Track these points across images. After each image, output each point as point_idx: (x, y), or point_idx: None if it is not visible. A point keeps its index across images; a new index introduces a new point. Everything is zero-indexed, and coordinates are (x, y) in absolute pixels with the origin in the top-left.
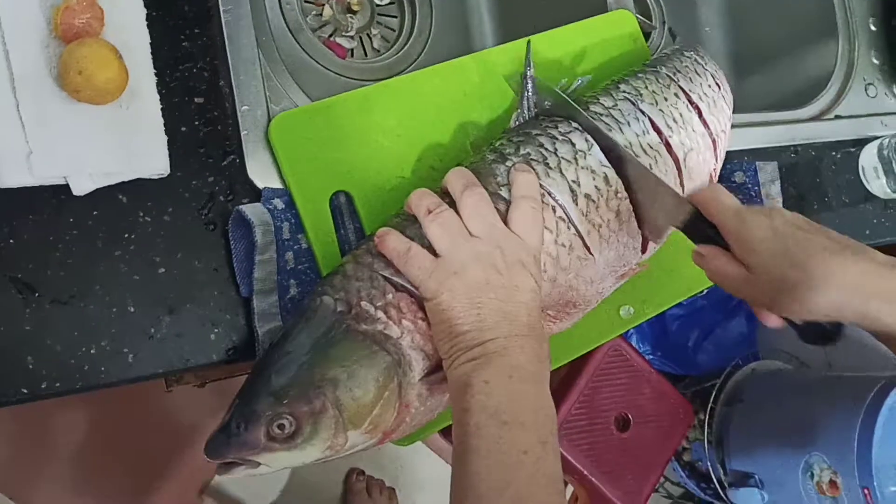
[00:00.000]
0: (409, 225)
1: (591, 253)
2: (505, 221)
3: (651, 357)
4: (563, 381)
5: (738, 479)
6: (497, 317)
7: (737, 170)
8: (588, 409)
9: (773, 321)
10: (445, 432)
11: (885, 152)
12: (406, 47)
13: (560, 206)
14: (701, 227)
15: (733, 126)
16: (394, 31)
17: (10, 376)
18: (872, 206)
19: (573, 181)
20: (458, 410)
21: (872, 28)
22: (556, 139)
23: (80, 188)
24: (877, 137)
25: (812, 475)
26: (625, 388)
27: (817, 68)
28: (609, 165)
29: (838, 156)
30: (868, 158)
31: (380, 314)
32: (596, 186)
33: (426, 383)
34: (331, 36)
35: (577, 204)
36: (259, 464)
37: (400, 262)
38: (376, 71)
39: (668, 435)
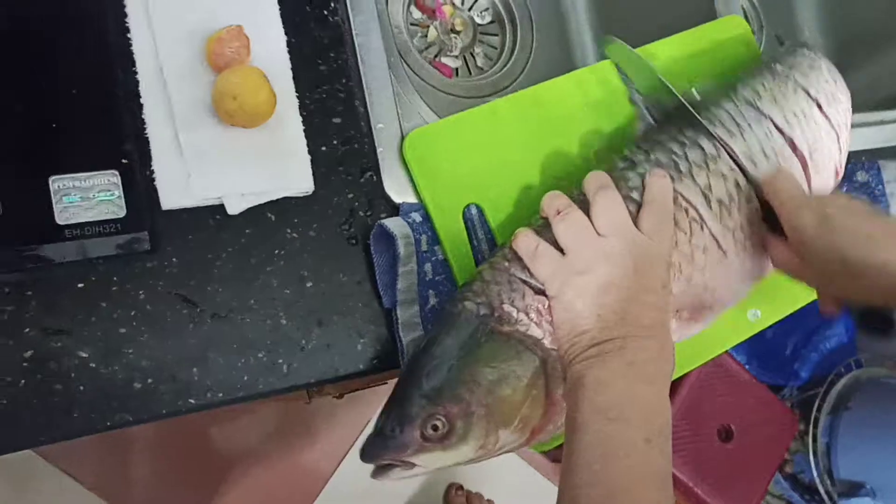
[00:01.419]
0: (543, 229)
1: (725, 255)
2: (636, 223)
3: (747, 367)
4: None
5: (849, 488)
6: (619, 317)
7: (858, 169)
8: (690, 420)
9: (828, 307)
10: None
11: None
12: (509, 64)
13: (693, 208)
14: (772, 210)
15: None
16: (496, 48)
17: (180, 388)
18: None
19: (706, 186)
20: (569, 407)
21: None
22: (686, 144)
23: (234, 208)
24: None
25: None
26: (726, 399)
27: None
28: (738, 168)
29: None
30: None
31: (521, 316)
32: (728, 192)
33: None
34: (436, 56)
35: (710, 208)
36: (414, 465)
37: (528, 260)
38: (482, 88)
39: (774, 445)
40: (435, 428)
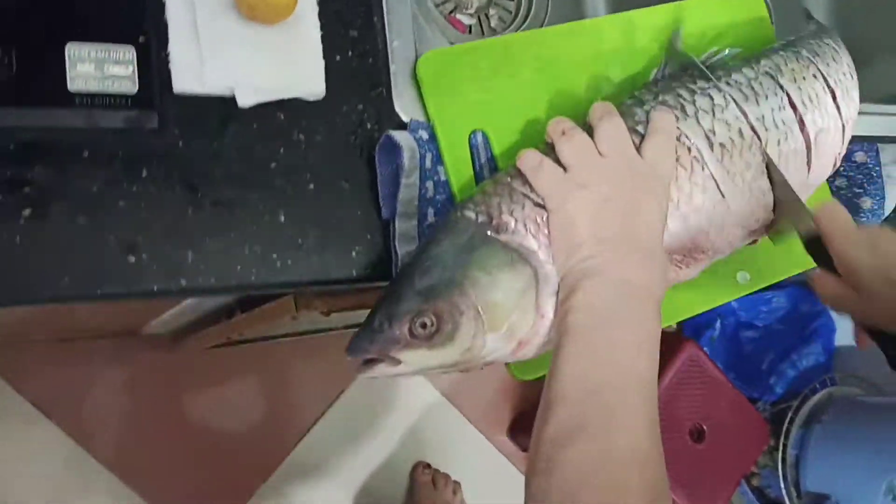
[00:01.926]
0: (548, 152)
1: (724, 198)
2: (638, 151)
3: None
4: None
5: (814, 500)
6: (615, 233)
7: (858, 150)
8: (664, 416)
9: (865, 342)
10: (513, 431)
11: None
12: (522, 28)
13: (695, 147)
14: (819, 244)
15: None
16: (510, 12)
17: (173, 268)
18: None
19: (709, 129)
20: (560, 314)
21: None
22: (696, 92)
23: (245, 100)
24: None
25: (894, 496)
26: (701, 399)
27: None
28: (745, 121)
29: None
30: None
31: (519, 226)
32: (731, 137)
33: None
34: (452, 12)
35: (712, 150)
36: (399, 361)
37: (531, 175)
38: None
39: (744, 450)
40: (423, 325)
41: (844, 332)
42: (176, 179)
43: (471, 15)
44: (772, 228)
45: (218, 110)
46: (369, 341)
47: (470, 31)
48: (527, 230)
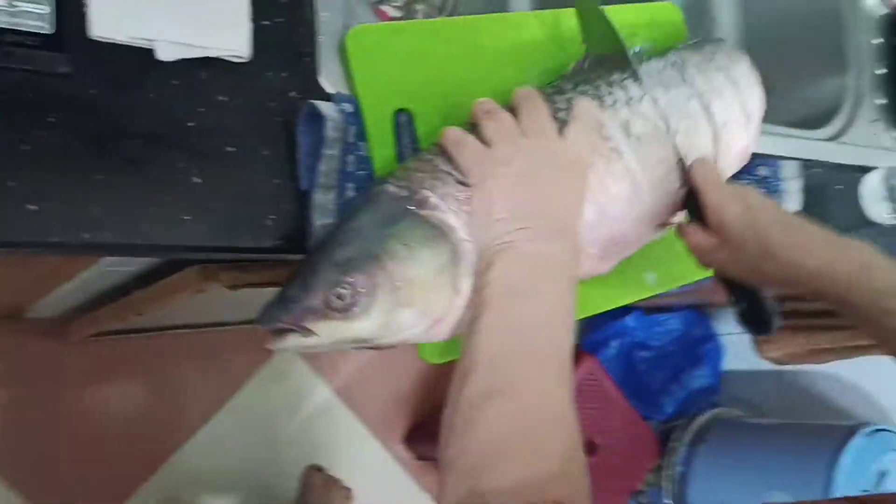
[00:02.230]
0: (472, 131)
1: (639, 189)
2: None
3: None
4: None
5: None
6: (533, 209)
7: (760, 164)
8: None
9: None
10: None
11: (891, 181)
12: None
13: (614, 138)
14: (692, 197)
15: None
16: (437, 6)
17: (76, 221)
18: (870, 230)
19: (625, 121)
20: (477, 288)
21: (877, 73)
22: (613, 83)
23: (165, 54)
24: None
25: None
26: (596, 414)
27: (828, 100)
28: (657, 113)
29: (844, 178)
30: (870, 184)
31: (440, 203)
32: (646, 131)
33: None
34: (379, 3)
35: (628, 141)
36: (312, 333)
37: (454, 150)
38: None
39: (633, 465)
40: (340, 297)
41: (732, 356)
42: (86, 129)
43: (398, 7)
44: None
45: (136, 61)
46: (283, 310)
47: None
48: (447, 207)
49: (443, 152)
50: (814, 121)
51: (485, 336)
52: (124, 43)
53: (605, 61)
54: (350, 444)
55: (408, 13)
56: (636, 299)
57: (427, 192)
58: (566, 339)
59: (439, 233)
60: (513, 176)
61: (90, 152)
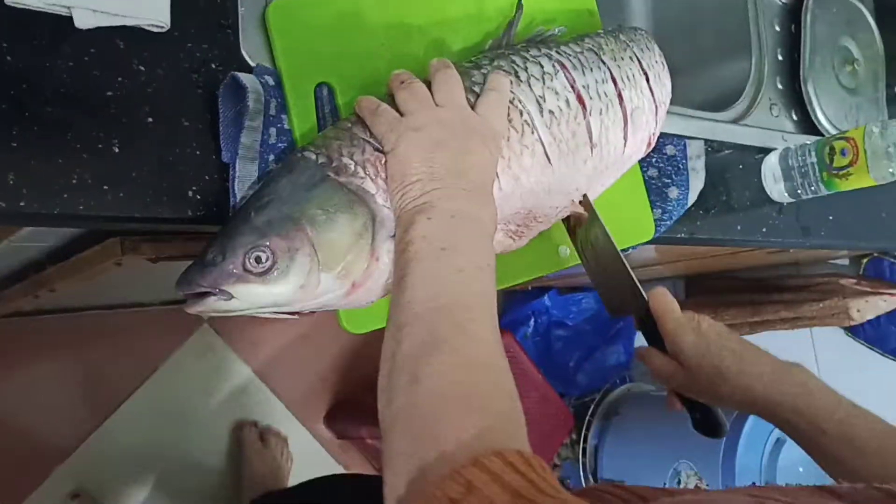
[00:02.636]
0: (388, 102)
1: (550, 162)
2: (473, 108)
3: None
4: None
5: None
6: (447, 171)
7: (668, 143)
8: None
9: (677, 407)
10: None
11: (789, 161)
12: None
13: (526, 111)
14: (650, 324)
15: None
16: None
17: None
18: (770, 208)
19: (539, 96)
20: (399, 248)
21: (779, 58)
22: (528, 59)
23: (82, 22)
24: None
25: (679, 481)
26: None
27: (732, 82)
28: (572, 91)
29: (746, 159)
30: (770, 165)
31: (358, 169)
32: (559, 106)
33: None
34: None
35: (542, 115)
36: (231, 296)
37: (369, 118)
38: None
39: (549, 439)
40: (258, 260)
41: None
42: (1, 96)
43: None
44: (604, 300)
45: (52, 27)
46: (201, 274)
47: None
48: (366, 173)
49: (361, 121)
50: (719, 103)
51: (415, 291)
52: (41, 9)
53: (525, 41)
54: (270, 424)
55: None
56: (551, 271)
57: (346, 159)
58: (492, 292)
59: (357, 199)
60: (426, 141)
61: (6, 119)
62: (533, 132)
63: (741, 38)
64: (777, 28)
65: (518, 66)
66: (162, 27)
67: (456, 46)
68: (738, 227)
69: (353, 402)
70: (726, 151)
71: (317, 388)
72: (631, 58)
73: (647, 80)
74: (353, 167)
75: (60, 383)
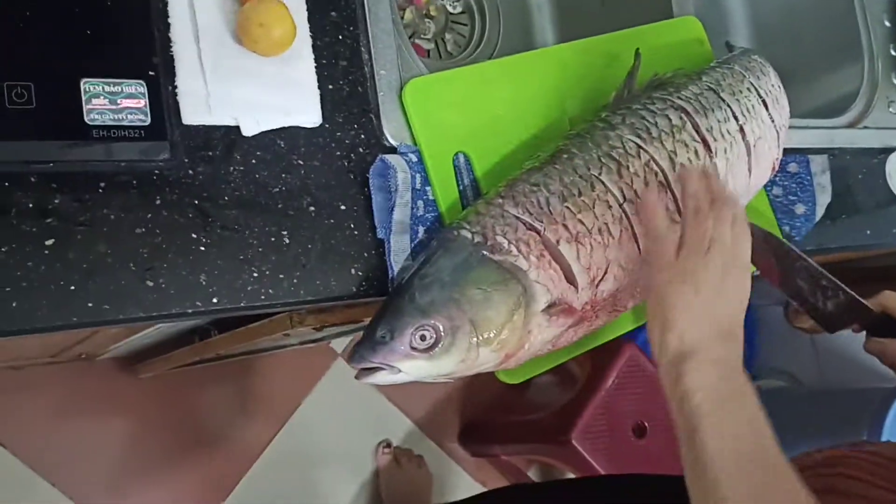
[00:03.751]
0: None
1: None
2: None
3: None
4: (583, 389)
5: None
6: (708, 317)
7: (791, 161)
8: (607, 415)
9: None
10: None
11: None
12: (476, 52)
13: (661, 169)
14: (887, 326)
15: None
16: (465, 37)
17: (187, 290)
18: None
19: (671, 150)
20: (676, 402)
21: (893, 53)
22: (656, 114)
23: (248, 129)
24: None
25: None
26: (642, 397)
27: (846, 85)
28: (698, 138)
29: (868, 162)
30: (893, 163)
31: (512, 247)
32: (689, 158)
33: (547, 314)
34: (411, 38)
35: (674, 170)
36: (399, 371)
37: (650, 235)
38: None
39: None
40: (423, 338)
41: (766, 328)
42: (187, 205)
43: (429, 40)
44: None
45: (224, 139)
46: (372, 351)
47: (428, 55)
48: (519, 251)
49: (511, 196)
50: (832, 109)
51: (715, 443)
52: (212, 124)
53: (646, 89)
54: (404, 446)
55: (438, 44)
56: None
57: (499, 238)
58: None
59: (511, 276)
60: (690, 291)
61: (193, 226)
62: (667, 192)
63: (849, 38)
64: (887, 23)
65: (648, 121)
66: (315, 123)
67: (580, 98)
68: (868, 232)
69: (484, 421)
70: (846, 157)
71: (446, 409)
72: (749, 88)
73: (766, 107)
74: (506, 245)
75: (206, 428)
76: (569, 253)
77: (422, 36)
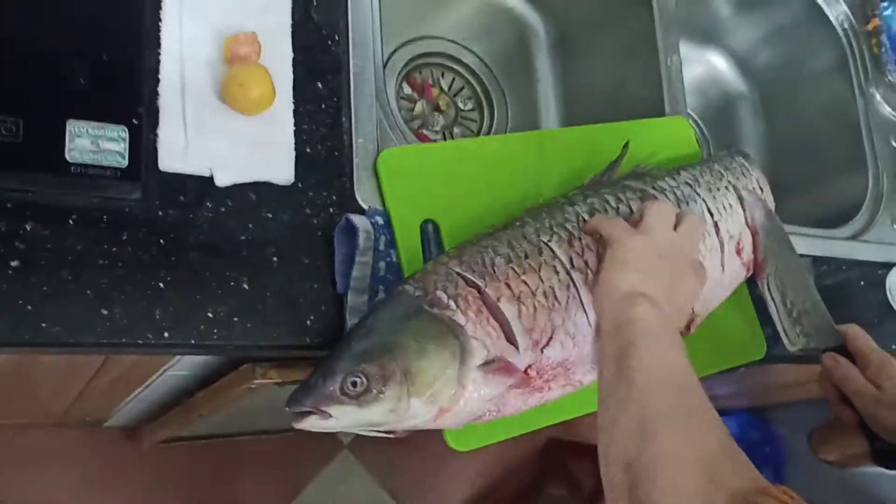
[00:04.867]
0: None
1: None
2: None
3: None
4: (592, 499)
5: None
6: (659, 282)
7: None
8: None
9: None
10: None
11: None
12: None
13: None
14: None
15: None
16: (473, 132)
17: (141, 323)
18: None
19: None
20: (612, 329)
21: None
22: (621, 200)
23: (221, 180)
24: None
25: None
26: None
27: (849, 198)
28: None
29: (870, 274)
30: (893, 279)
31: (451, 302)
32: None
33: (482, 371)
34: (420, 128)
35: None
36: (330, 416)
37: (597, 222)
38: None
39: None
40: (354, 384)
41: (792, 459)
42: (153, 244)
43: (436, 132)
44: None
45: (197, 187)
46: (305, 395)
47: None
48: (457, 306)
49: (458, 256)
50: (838, 220)
51: (640, 371)
52: (188, 172)
53: (627, 177)
54: None
55: (445, 136)
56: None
57: (439, 293)
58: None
59: (448, 330)
60: (651, 249)
61: (156, 263)
62: None
63: (856, 155)
64: (894, 143)
65: (610, 205)
66: (287, 181)
67: (553, 180)
68: None
69: None
70: (845, 268)
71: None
72: (727, 187)
73: (744, 207)
74: (445, 300)
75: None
76: (509, 312)
77: (430, 128)
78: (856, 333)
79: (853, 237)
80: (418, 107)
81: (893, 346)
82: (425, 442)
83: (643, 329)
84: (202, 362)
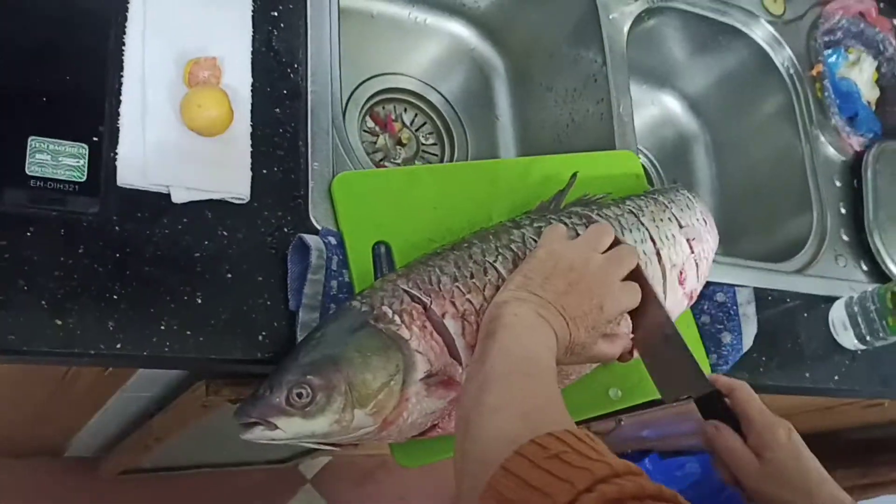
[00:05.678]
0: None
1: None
2: None
3: None
4: None
5: None
6: (557, 291)
7: (718, 291)
8: None
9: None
10: None
11: (854, 308)
12: None
13: None
14: (714, 407)
15: (724, 264)
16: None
17: (93, 333)
18: (841, 356)
19: None
20: (491, 316)
21: (842, 211)
22: (567, 226)
23: (178, 197)
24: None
25: None
26: None
27: (795, 235)
28: None
29: (811, 308)
30: (838, 313)
31: (396, 317)
32: None
33: (425, 384)
34: (381, 161)
35: None
36: (276, 427)
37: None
38: None
39: None
40: (300, 395)
41: None
42: (108, 257)
43: (397, 164)
44: (657, 380)
45: (154, 203)
46: (252, 406)
47: None
48: (402, 321)
49: (406, 274)
50: (785, 255)
51: (495, 351)
52: (145, 189)
53: (574, 204)
54: None
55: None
56: (601, 412)
57: (385, 308)
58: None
59: (392, 344)
60: (559, 259)
61: (110, 276)
62: None
63: (802, 194)
64: (838, 183)
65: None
66: (243, 200)
67: (503, 207)
68: (807, 375)
69: None
70: (788, 301)
71: None
72: (670, 218)
73: (687, 239)
74: (390, 315)
75: None
76: (454, 328)
77: (392, 160)
78: (741, 393)
79: (798, 271)
80: (381, 140)
81: (836, 378)
82: (390, 478)
83: (509, 322)
84: (159, 381)
